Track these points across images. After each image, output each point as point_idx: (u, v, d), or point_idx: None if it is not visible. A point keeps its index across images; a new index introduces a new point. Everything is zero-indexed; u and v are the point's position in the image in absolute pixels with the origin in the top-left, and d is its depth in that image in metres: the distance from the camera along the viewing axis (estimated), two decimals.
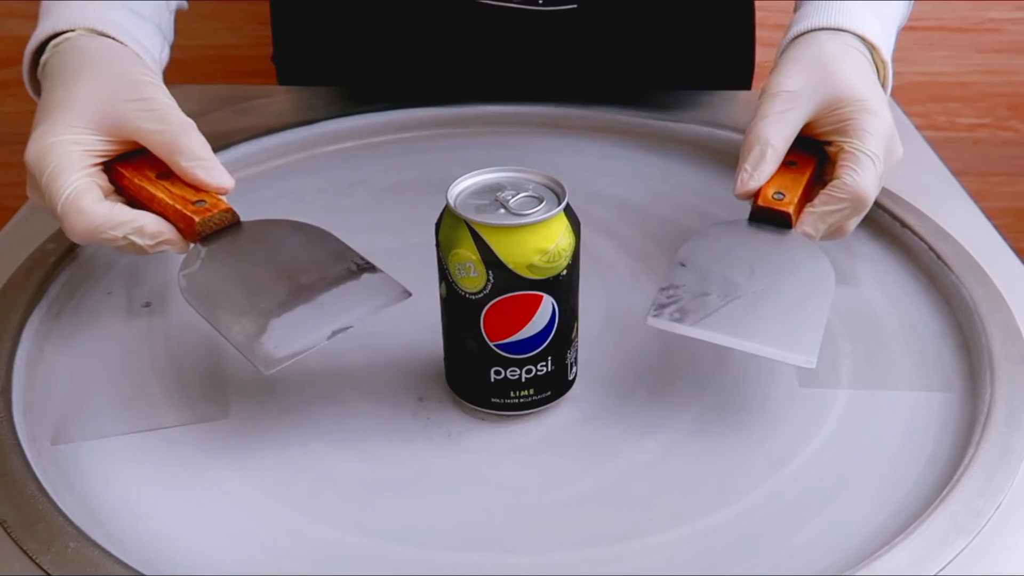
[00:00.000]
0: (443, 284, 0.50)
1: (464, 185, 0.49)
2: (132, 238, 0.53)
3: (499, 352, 0.50)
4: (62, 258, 0.62)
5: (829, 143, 0.59)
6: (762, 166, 0.57)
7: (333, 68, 0.90)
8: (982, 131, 1.34)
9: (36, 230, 0.65)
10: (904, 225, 0.66)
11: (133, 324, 0.60)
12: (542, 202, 0.48)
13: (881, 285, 0.63)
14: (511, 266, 0.47)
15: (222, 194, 0.55)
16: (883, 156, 0.58)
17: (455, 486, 0.49)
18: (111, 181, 0.56)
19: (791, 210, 0.56)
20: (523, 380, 0.51)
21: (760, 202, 0.57)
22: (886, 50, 0.64)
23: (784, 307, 0.52)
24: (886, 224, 0.68)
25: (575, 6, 0.81)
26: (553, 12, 0.81)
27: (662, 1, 0.85)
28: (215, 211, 0.54)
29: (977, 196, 0.73)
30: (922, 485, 0.49)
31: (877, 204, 0.68)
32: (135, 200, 0.55)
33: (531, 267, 0.47)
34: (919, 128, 0.83)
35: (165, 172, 0.55)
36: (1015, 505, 0.47)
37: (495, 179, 0.50)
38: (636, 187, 0.74)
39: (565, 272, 0.49)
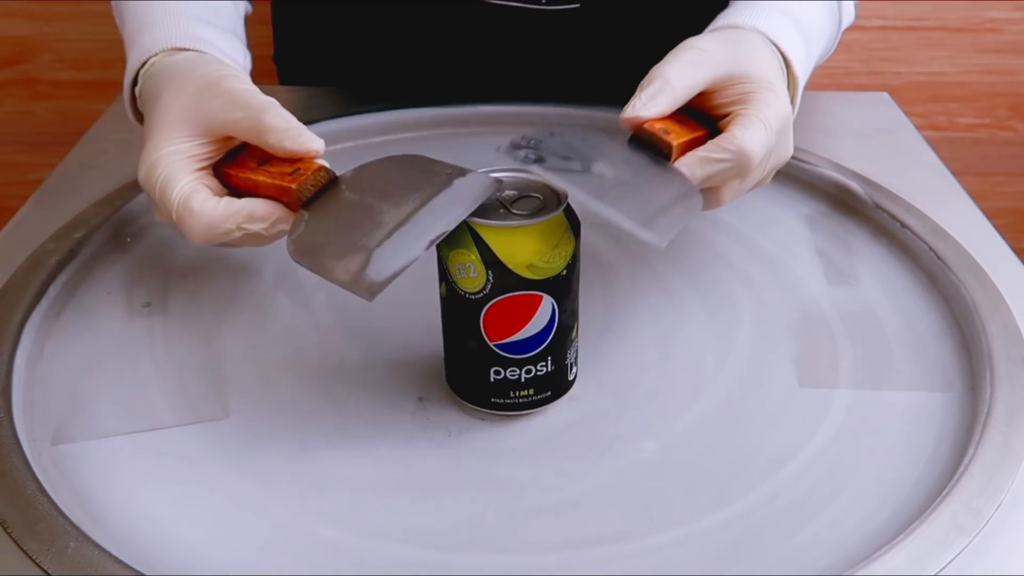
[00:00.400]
0: (443, 284, 0.50)
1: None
2: (246, 226, 0.53)
3: (499, 352, 0.50)
4: (62, 258, 0.62)
5: (725, 116, 0.58)
6: (658, 98, 0.55)
7: (333, 68, 0.90)
8: (982, 131, 1.34)
9: (36, 230, 0.65)
10: (904, 225, 0.66)
11: (133, 324, 0.60)
12: (542, 203, 0.48)
13: (881, 285, 0.63)
14: (511, 266, 0.47)
15: (313, 157, 0.54)
16: (775, 132, 0.56)
17: (455, 486, 0.49)
18: (224, 185, 0.56)
19: (675, 145, 0.54)
20: (523, 380, 0.51)
21: (647, 127, 0.54)
22: (800, 69, 0.63)
23: (646, 196, 0.51)
24: (886, 224, 0.68)
25: (577, 5, 0.81)
26: (555, 11, 0.81)
27: (663, 1, 0.84)
28: (308, 173, 0.53)
29: (977, 196, 0.73)
30: (922, 485, 0.49)
31: (877, 205, 0.69)
32: (245, 194, 0.55)
33: (531, 267, 0.47)
34: (919, 128, 0.83)
35: (265, 157, 0.55)
36: (1015, 505, 0.47)
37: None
38: None
39: (565, 272, 0.49)
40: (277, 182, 0.53)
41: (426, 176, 0.51)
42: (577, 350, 0.53)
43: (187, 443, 0.51)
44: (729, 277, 0.64)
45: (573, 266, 0.49)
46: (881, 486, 0.49)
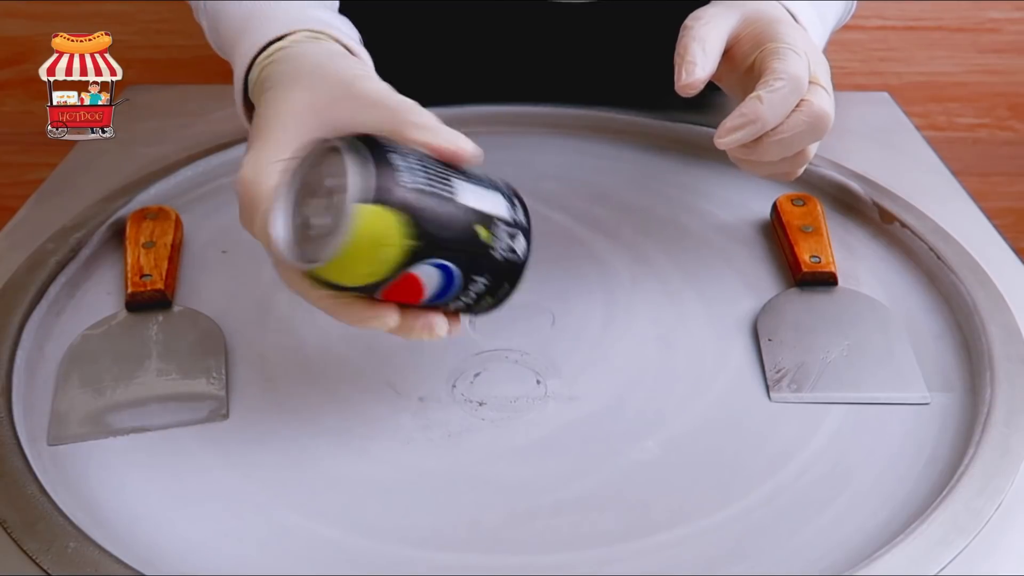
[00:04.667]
0: None
1: (279, 229, 0.43)
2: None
3: (432, 305, 0.46)
4: (62, 258, 0.62)
5: (752, 64, 0.58)
6: (704, 61, 0.56)
7: None
8: (982, 131, 1.34)
9: (36, 230, 0.65)
10: (904, 225, 0.66)
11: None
12: (332, 219, 0.42)
13: (881, 285, 0.63)
14: (359, 285, 0.43)
15: (464, 161, 0.47)
16: (804, 53, 0.56)
17: (455, 486, 0.49)
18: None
19: (834, 269, 0.62)
20: (473, 303, 0.47)
21: (805, 268, 0.61)
22: (805, 19, 0.63)
23: (875, 356, 0.57)
24: (886, 224, 0.68)
25: None
26: (568, 6, 0.80)
27: (662, 1, 0.84)
28: (147, 288, 0.59)
29: (977, 196, 0.73)
30: (922, 485, 0.49)
31: (876, 205, 0.68)
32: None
33: (372, 273, 0.43)
34: (919, 128, 0.83)
35: (150, 241, 0.62)
36: (1015, 505, 0.47)
37: (291, 211, 0.44)
38: (636, 187, 0.74)
39: (421, 243, 0.43)
40: (130, 271, 0.59)
41: (198, 368, 0.55)
42: (510, 236, 0.46)
43: (187, 443, 0.51)
44: (729, 277, 0.64)
45: (422, 235, 0.43)
46: (881, 486, 0.49)
